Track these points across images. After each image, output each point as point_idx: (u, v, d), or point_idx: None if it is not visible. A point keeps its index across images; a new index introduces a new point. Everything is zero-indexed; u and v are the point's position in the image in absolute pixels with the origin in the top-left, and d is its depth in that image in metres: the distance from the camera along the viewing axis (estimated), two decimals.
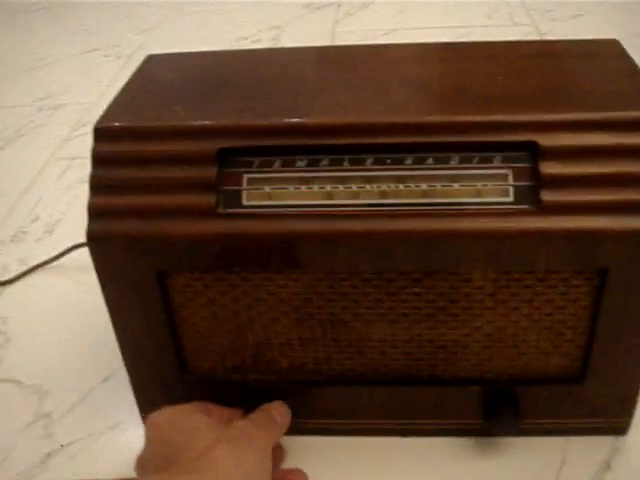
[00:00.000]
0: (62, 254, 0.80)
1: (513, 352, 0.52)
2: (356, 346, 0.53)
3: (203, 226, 0.47)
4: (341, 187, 0.47)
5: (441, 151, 0.47)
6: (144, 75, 0.57)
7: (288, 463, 0.56)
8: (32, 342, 0.71)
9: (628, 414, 0.56)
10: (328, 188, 0.47)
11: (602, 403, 0.54)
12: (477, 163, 0.47)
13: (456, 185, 0.47)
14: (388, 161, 0.47)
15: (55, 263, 0.81)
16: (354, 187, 0.47)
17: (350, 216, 0.47)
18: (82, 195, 0.94)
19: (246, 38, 1.38)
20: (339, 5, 1.50)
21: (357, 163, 0.47)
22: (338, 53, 0.61)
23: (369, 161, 0.47)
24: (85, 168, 0.98)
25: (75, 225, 0.87)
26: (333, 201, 0.47)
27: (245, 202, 0.48)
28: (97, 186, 0.49)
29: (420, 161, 0.47)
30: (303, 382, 0.55)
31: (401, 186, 0.47)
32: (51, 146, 1.07)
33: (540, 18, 1.35)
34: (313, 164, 0.47)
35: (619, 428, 0.57)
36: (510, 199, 0.46)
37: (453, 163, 0.47)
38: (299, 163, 0.48)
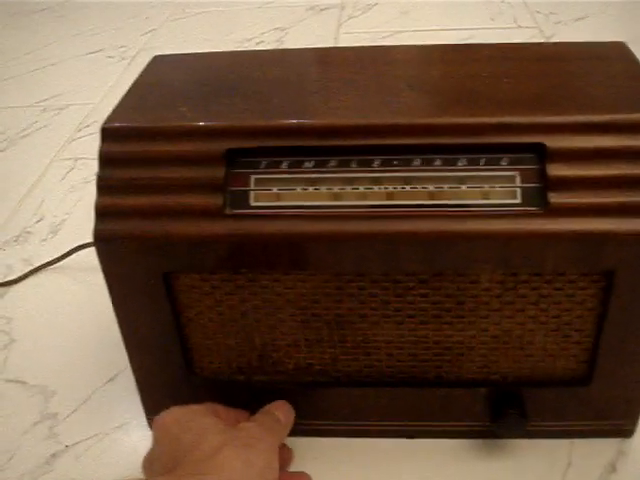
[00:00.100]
0: (67, 254, 0.80)
1: (520, 354, 0.52)
2: (362, 347, 0.53)
3: (210, 227, 0.47)
4: (348, 188, 0.47)
5: (448, 153, 0.47)
6: (151, 76, 0.57)
7: (294, 464, 0.56)
8: (37, 342, 0.71)
9: (634, 417, 0.56)
10: (335, 189, 0.47)
11: (608, 405, 0.54)
12: (484, 165, 0.47)
13: (463, 187, 0.47)
14: (395, 162, 0.47)
15: (59, 263, 0.81)
16: (361, 188, 0.47)
17: (357, 217, 0.47)
18: (86, 195, 0.94)
19: (250, 40, 1.38)
20: (343, 7, 1.50)
21: (364, 164, 0.47)
22: (345, 54, 0.61)
23: (376, 162, 0.47)
24: (89, 168, 0.99)
25: (79, 225, 0.88)
26: (340, 202, 0.47)
27: (252, 203, 0.48)
28: (104, 186, 0.49)
29: (427, 162, 0.47)
30: (309, 383, 0.55)
31: (408, 187, 0.47)
32: (55, 147, 1.08)
33: (544, 20, 1.35)
34: (320, 165, 0.47)
35: (625, 431, 0.57)
36: (517, 201, 0.46)
37: (460, 165, 0.47)
38: (307, 164, 0.48)
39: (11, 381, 0.67)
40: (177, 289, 0.51)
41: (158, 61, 0.59)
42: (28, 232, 0.88)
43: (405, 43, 0.63)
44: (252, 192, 0.48)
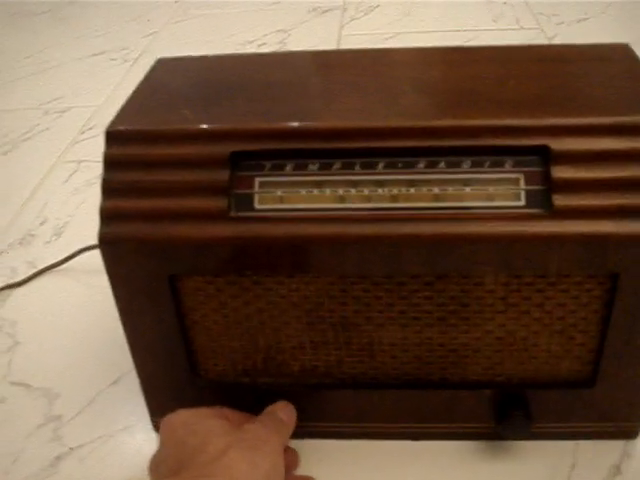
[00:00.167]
0: (71, 257, 0.80)
1: (524, 356, 0.52)
2: (367, 349, 0.53)
3: (215, 229, 0.47)
4: (353, 191, 0.47)
5: (453, 155, 0.47)
6: (154, 79, 0.57)
7: (298, 467, 0.56)
8: (41, 345, 0.72)
9: (638, 418, 0.55)
10: (340, 192, 0.47)
11: (612, 407, 0.54)
12: (489, 167, 0.47)
13: (467, 189, 0.47)
14: (400, 165, 0.47)
15: (64, 266, 0.81)
16: (366, 191, 0.47)
17: (362, 220, 0.47)
18: (89, 198, 0.94)
19: (252, 42, 1.38)
20: (345, 9, 1.51)
21: (369, 167, 0.47)
22: (347, 56, 0.61)
23: (381, 165, 0.47)
24: (92, 171, 1.00)
25: (83, 228, 0.88)
26: (345, 205, 0.47)
27: (257, 205, 0.48)
28: (109, 189, 0.49)
29: (432, 165, 0.47)
30: (314, 385, 0.55)
31: (412, 190, 0.47)
32: (58, 149, 1.08)
33: (546, 22, 1.35)
34: (325, 168, 0.48)
35: (629, 432, 0.57)
36: (522, 203, 0.46)
37: (465, 167, 0.47)
38: (311, 167, 0.48)
39: (15, 384, 0.67)
40: (182, 292, 0.51)
41: (161, 64, 0.60)
42: (32, 234, 0.88)
43: (407, 44, 0.63)
44: (256, 195, 0.48)
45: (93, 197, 0.93)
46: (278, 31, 1.42)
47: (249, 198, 0.48)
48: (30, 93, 1.27)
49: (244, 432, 0.48)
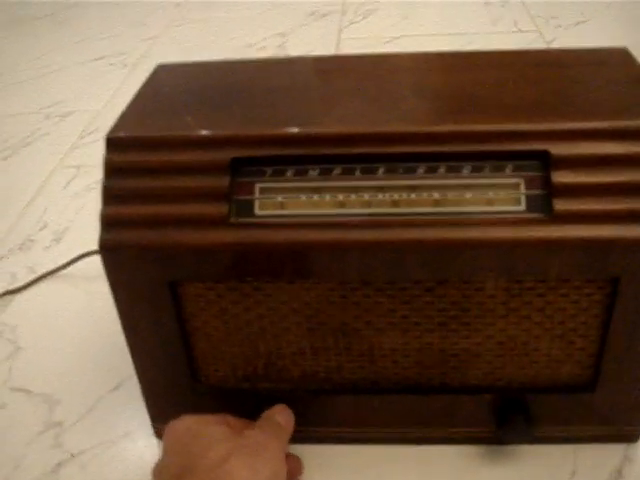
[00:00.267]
0: (71, 262, 0.80)
1: (525, 360, 0.52)
2: (368, 355, 0.53)
3: (215, 236, 0.47)
4: (353, 196, 0.47)
5: (453, 160, 0.47)
6: (154, 85, 0.57)
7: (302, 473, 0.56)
8: (41, 351, 0.72)
9: (639, 422, 0.55)
10: (340, 197, 0.47)
11: (613, 411, 0.54)
12: (489, 172, 0.47)
13: (468, 194, 0.47)
14: (400, 170, 0.47)
15: (63, 271, 0.81)
16: (366, 196, 0.47)
17: (362, 225, 0.47)
18: (89, 203, 0.94)
19: (251, 45, 1.38)
20: (344, 13, 1.51)
21: (369, 172, 0.47)
22: (347, 62, 0.61)
23: (381, 170, 0.47)
24: (92, 176, 1.00)
25: (83, 233, 0.88)
26: (345, 210, 0.47)
27: (257, 211, 0.48)
28: (109, 196, 0.49)
29: (432, 170, 0.47)
30: (314, 391, 0.55)
31: (413, 195, 0.47)
32: (58, 154, 1.08)
33: (545, 25, 1.35)
34: (325, 173, 0.48)
35: (630, 436, 0.57)
36: (522, 208, 0.46)
37: (465, 172, 0.47)
38: (311, 172, 0.48)
39: (16, 390, 0.67)
40: (182, 298, 0.51)
41: (161, 70, 0.60)
42: (32, 240, 0.88)
43: (406, 48, 0.64)
44: (257, 201, 0.48)
45: (93, 202, 0.93)
46: (277, 34, 1.42)
47: (250, 204, 0.48)
48: (30, 97, 1.27)
49: (245, 438, 0.48)
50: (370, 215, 0.47)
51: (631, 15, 1.39)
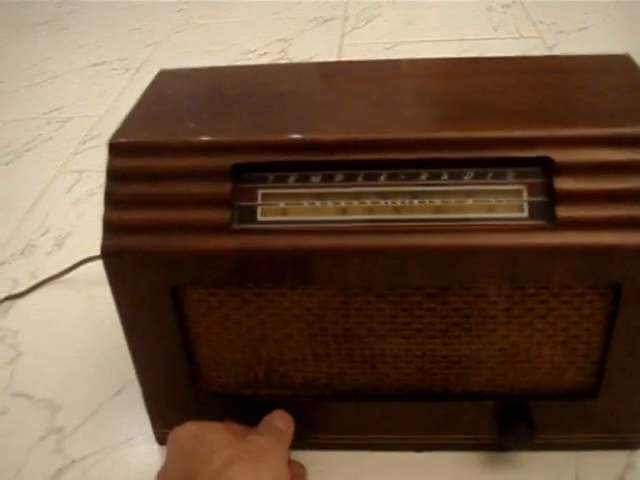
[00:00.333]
0: (73, 267, 0.80)
1: (527, 367, 0.52)
2: (370, 361, 0.53)
3: (217, 242, 0.47)
4: (355, 203, 0.47)
5: (455, 167, 0.47)
6: (156, 90, 0.57)
7: None
8: (43, 356, 0.71)
9: None
10: (342, 204, 0.47)
11: (616, 418, 0.54)
12: (491, 179, 0.47)
13: (470, 201, 0.47)
14: (402, 177, 0.47)
15: (65, 276, 0.81)
16: (368, 202, 0.47)
17: (364, 232, 0.47)
18: (91, 208, 0.94)
19: (253, 51, 1.38)
20: (346, 18, 1.51)
21: (371, 179, 0.47)
22: (350, 68, 0.61)
23: (383, 177, 0.47)
24: (94, 181, 1.00)
25: (85, 238, 0.88)
26: (347, 217, 0.47)
27: (259, 218, 0.48)
28: (112, 201, 0.49)
29: (434, 177, 0.47)
30: (316, 397, 0.55)
31: (415, 202, 0.47)
32: (60, 159, 1.08)
33: (547, 31, 1.35)
34: (327, 180, 0.48)
35: (633, 443, 0.56)
36: (524, 215, 0.46)
37: (467, 179, 0.47)
38: (313, 179, 0.48)
39: (17, 395, 0.67)
40: (184, 304, 0.51)
41: (164, 75, 0.60)
42: (33, 245, 0.88)
43: (408, 54, 0.64)
44: (259, 207, 0.48)
45: (95, 207, 0.93)
46: (279, 40, 1.43)
47: (252, 210, 0.48)
48: (32, 103, 1.27)
49: (248, 443, 0.48)
50: (372, 221, 0.47)
51: (633, 22, 1.39)
